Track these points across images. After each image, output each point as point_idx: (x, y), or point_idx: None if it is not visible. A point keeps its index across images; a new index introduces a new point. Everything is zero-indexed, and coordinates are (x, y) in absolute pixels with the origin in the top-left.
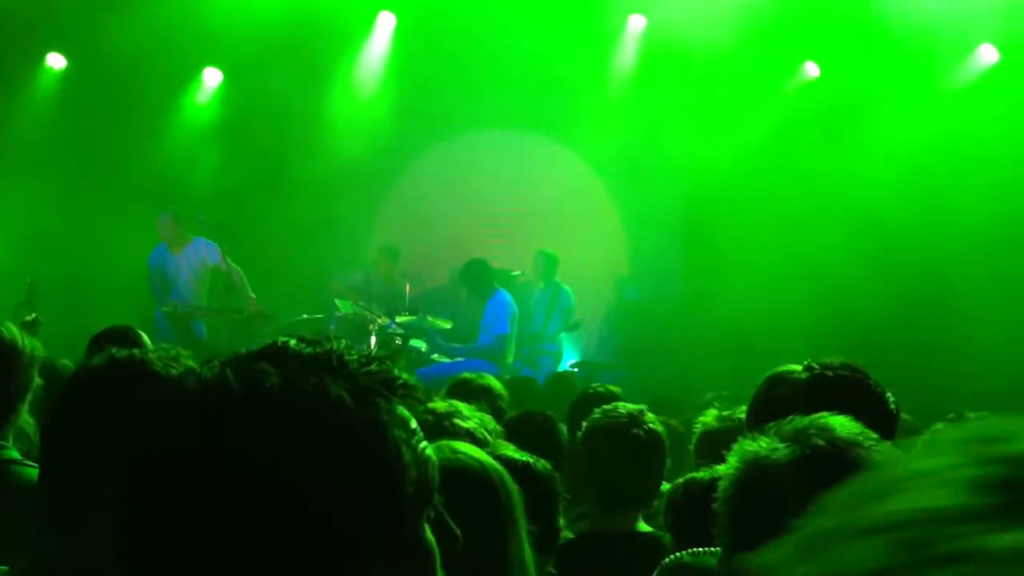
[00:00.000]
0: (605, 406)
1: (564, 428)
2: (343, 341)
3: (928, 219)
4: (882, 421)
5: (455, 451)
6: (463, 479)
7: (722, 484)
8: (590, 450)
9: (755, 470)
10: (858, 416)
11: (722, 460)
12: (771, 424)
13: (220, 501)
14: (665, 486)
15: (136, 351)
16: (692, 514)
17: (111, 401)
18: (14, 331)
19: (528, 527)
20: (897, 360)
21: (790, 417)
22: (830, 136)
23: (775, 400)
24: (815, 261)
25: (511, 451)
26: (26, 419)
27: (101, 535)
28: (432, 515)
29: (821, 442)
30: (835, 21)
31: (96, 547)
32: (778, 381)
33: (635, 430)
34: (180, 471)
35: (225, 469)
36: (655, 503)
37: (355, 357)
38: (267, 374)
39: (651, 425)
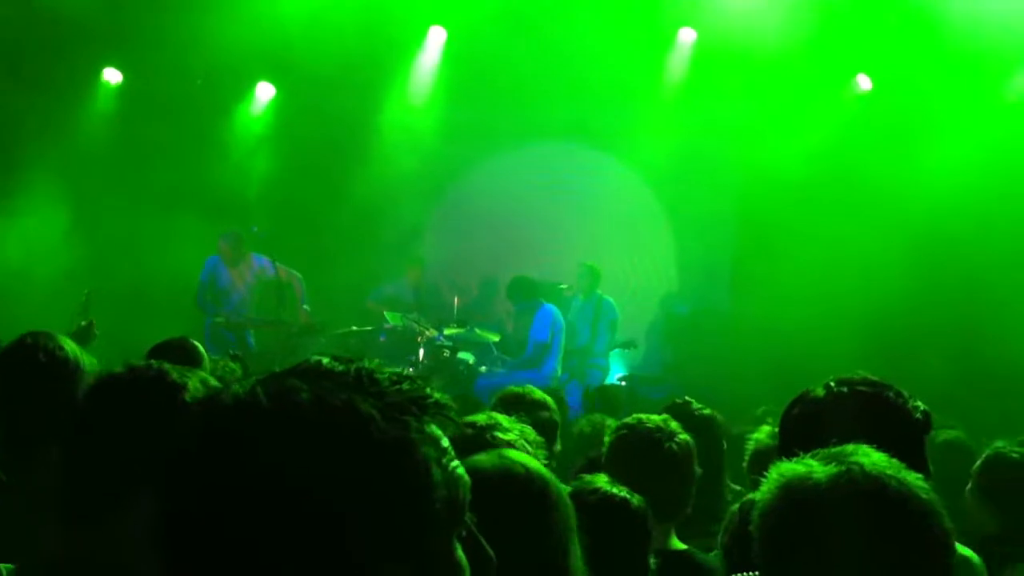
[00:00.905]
0: (627, 419)
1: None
2: (375, 360)
3: (983, 231)
4: (904, 433)
5: (504, 456)
6: (502, 480)
7: (758, 508)
8: (617, 464)
9: (792, 492)
10: (878, 430)
11: None
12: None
13: (246, 512)
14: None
15: (154, 361)
16: (744, 536)
17: (130, 407)
18: (75, 347)
19: (618, 561)
20: (949, 372)
21: (815, 451)
22: (883, 148)
23: (794, 420)
24: (868, 273)
25: (606, 484)
26: None
27: (121, 534)
28: (464, 534)
29: (861, 462)
30: (887, 33)
31: (116, 545)
32: (797, 401)
33: (665, 443)
34: (209, 483)
35: (253, 481)
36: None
37: (386, 375)
38: (298, 390)
39: (679, 436)
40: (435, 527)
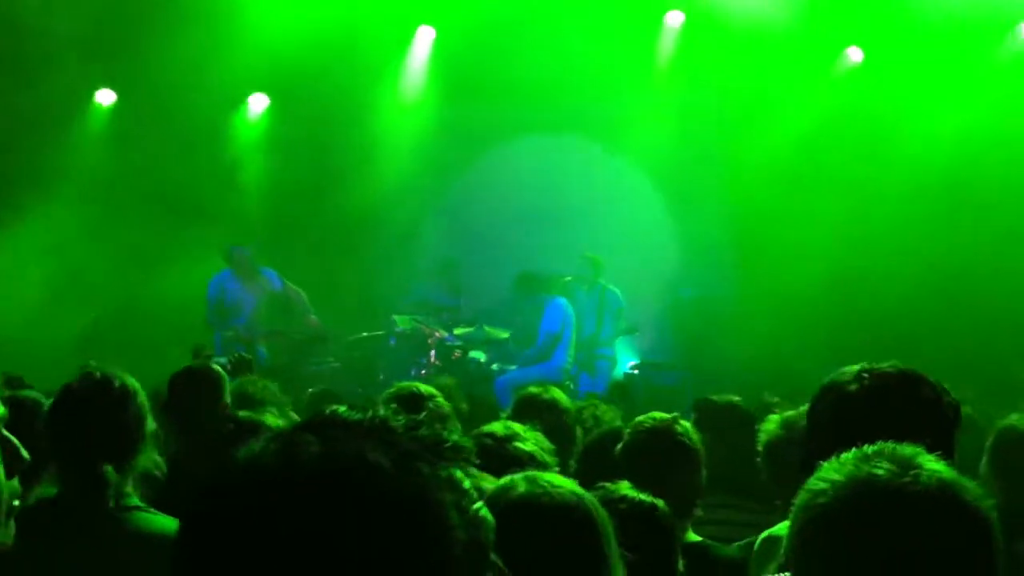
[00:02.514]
0: (640, 417)
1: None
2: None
3: (981, 200)
4: (937, 428)
5: (552, 485)
6: (561, 514)
7: (820, 502)
8: (629, 464)
9: (873, 491)
10: (912, 423)
11: (791, 469)
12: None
13: (258, 572)
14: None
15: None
16: None
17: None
18: (126, 377)
19: (651, 567)
20: (946, 344)
21: (875, 445)
22: (876, 120)
23: (823, 415)
24: (869, 245)
25: (630, 490)
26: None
27: None
28: (492, 575)
29: (936, 470)
30: (875, 3)
31: None
32: (828, 391)
33: (672, 439)
34: (220, 548)
35: (262, 543)
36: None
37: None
38: (308, 444)
39: (680, 435)
40: (456, 573)
